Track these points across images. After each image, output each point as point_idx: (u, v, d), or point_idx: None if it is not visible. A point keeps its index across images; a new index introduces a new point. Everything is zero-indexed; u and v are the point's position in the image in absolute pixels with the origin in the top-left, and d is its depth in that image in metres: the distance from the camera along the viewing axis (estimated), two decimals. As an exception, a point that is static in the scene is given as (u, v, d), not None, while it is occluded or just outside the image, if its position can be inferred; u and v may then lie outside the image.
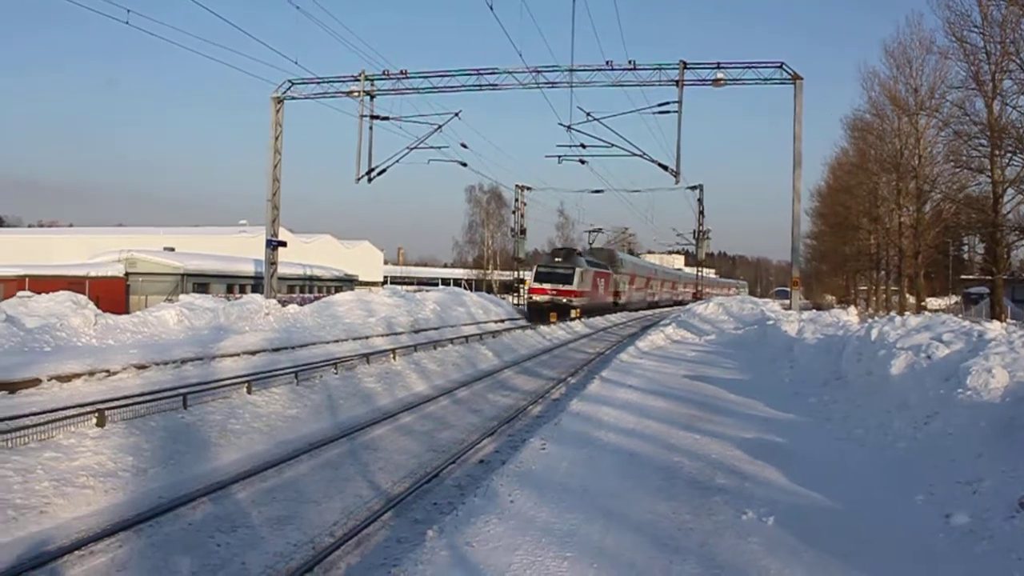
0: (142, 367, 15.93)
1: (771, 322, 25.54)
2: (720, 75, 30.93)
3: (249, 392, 13.05)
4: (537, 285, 44.80)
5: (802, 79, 30.66)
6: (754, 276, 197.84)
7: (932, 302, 55.38)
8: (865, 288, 64.61)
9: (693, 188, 53.61)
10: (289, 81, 34.36)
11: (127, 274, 42.01)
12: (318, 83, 34.37)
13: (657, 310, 75.71)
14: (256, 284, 43.40)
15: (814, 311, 34.18)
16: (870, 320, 16.72)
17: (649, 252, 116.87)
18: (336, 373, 15.99)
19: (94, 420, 10.00)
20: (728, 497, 7.46)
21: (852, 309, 33.65)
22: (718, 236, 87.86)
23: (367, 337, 24.49)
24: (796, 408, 12.44)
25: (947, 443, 8.26)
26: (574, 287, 44.27)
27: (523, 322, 40.02)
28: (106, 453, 9.37)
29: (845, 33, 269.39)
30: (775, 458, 8.98)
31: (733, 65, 31.25)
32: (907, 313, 21.89)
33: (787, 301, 40.32)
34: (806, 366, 16.28)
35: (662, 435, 10.43)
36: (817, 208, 64.88)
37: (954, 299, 65.55)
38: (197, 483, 9.38)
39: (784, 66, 30.87)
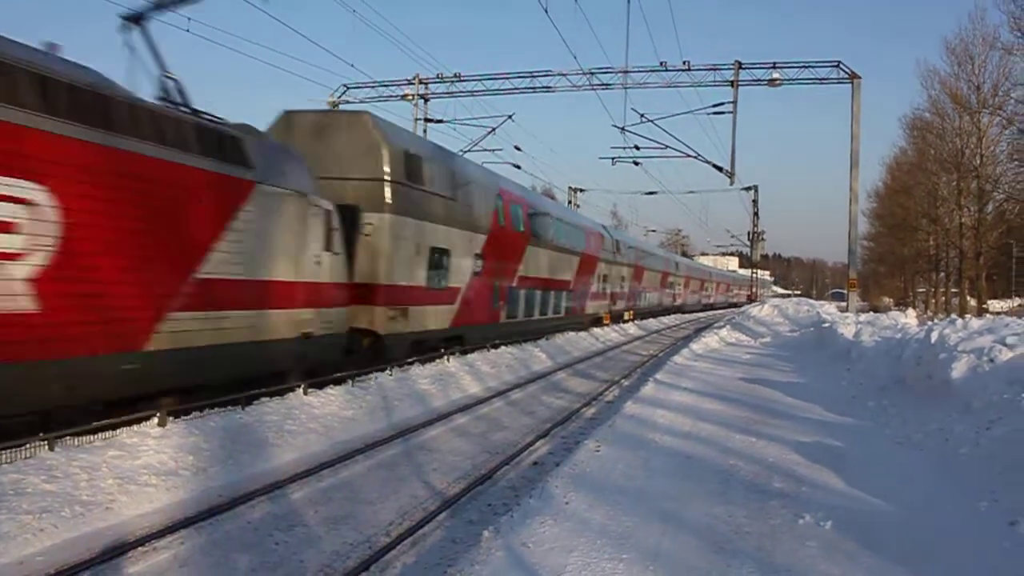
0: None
1: (827, 324, 25.20)
2: (776, 75, 30.61)
3: (305, 393, 13.19)
4: None
5: (860, 78, 30.14)
6: (810, 277, 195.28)
7: (994, 304, 54.29)
8: (924, 290, 63.43)
9: (748, 189, 53.00)
10: (344, 86, 34.78)
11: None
12: (373, 87, 34.77)
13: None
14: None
15: (872, 313, 33.67)
16: (930, 323, 16.42)
17: (703, 254, 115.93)
18: (391, 374, 16.09)
19: (156, 420, 10.20)
20: (785, 501, 7.40)
21: (911, 311, 33.06)
22: (773, 238, 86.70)
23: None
24: (854, 412, 12.26)
25: (1012, 449, 8.07)
26: None
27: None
28: (167, 452, 9.55)
29: (904, 30, 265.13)
30: (833, 462, 8.88)
31: (789, 65, 30.92)
32: (968, 316, 21.41)
33: (843, 303, 39.68)
34: (864, 369, 16.03)
35: (718, 438, 10.37)
36: (874, 209, 63.72)
37: (1018, 301, 64.16)
38: (255, 482, 9.52)
39: (841, 65, 30.42)
